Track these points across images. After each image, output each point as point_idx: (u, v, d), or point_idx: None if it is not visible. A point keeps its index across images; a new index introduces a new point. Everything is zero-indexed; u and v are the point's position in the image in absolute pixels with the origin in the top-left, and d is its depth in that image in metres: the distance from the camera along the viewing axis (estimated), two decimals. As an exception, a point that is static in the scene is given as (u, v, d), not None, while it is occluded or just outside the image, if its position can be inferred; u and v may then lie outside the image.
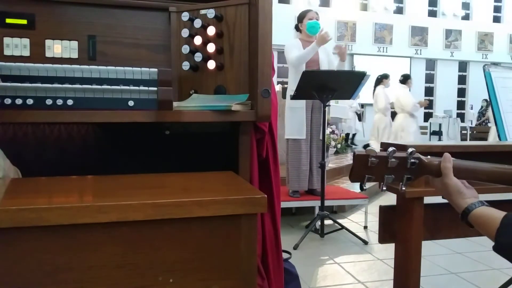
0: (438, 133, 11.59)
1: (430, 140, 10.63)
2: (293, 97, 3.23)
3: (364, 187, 0.92)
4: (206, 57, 1.33)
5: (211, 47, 1.32)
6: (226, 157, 1.42)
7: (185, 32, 1.36)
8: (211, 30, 1.32)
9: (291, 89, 3.47)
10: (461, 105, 15.88)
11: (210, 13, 1.31)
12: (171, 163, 1.44)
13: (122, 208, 0.75)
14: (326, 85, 3.04)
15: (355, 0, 14.47)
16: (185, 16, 1.35)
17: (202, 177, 1.10)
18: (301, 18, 3.62)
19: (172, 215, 0.78)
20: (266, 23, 1.22)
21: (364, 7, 14.73)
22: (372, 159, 0.88)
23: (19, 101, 1.10)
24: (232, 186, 1.01)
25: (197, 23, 1.32)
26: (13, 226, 0.71)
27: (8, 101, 1.10)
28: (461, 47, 15.45)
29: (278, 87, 5.23)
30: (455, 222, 1.40)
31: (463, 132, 11.83)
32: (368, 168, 0.88)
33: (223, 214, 0.81)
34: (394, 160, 0.89)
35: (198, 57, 1.33)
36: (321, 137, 3.53)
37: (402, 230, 1.31)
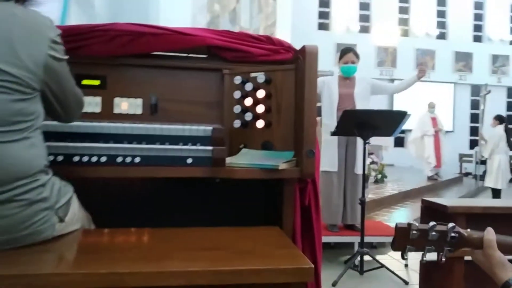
0: (485, 162, 11.10)
1: (475, 170, 10.18)
2: (333, 134, 3.32)
3: (406, 257, 0.97)
4: (256, 116, 1.46)
5: (260, 108, 1.45)
6: (271, 203, 1.53)
7: (237, 94, 1.50)
8: (261, 93, 1.45)
9: (325, 123, 3.60)
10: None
11: (261, 78, 1.44)
12: (217, 208, 1.56)
13: (188, 275, 0.86)
14: (367, 123, 3.10)
15: (396, 26, 14.39)
16: (237, 80, 1.49)
17: (250, 234, 1.20)
18: (340, 57, 3.74)
19: (230, 281, 0.89)
20: (311, 89, 1.34)
21: (405, 33, 14.61)
22: (413, 231, 0.93)
23: (94, 159, 1.27)
24: (281, 250, 1.09)
25: (248, 86, 1.46)
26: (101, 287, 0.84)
27: (85, 158, 1.27)
28: (509, 72, 14.89)
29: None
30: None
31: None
32: (410, 239, 0.94)
33: (276, 282, 0.90)
34: (434, 233, 0.94)
35: (248, 116, 1.46)
36: (356, 171, 3.56)
37: (443, 286, 1.35)
